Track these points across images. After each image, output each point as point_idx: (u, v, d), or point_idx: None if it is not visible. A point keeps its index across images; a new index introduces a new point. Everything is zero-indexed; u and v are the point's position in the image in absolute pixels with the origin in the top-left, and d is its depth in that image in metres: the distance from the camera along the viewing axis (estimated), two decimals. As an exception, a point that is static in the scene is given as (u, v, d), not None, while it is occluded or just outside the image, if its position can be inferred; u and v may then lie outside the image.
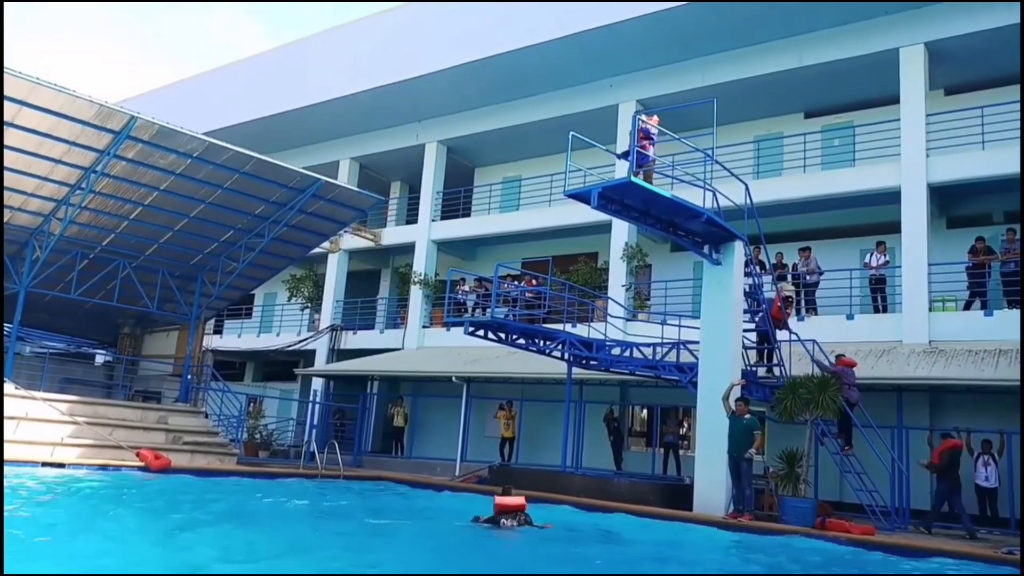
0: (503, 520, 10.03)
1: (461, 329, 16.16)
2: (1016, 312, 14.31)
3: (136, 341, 22.45)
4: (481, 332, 15.12)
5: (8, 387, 14.94)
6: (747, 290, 13.73)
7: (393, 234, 25.29)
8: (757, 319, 14.17)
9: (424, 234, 23.89)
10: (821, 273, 17.14)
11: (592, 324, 17.83)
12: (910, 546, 10.49)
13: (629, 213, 12.31)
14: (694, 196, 12.69)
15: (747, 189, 13.46)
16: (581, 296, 18.83)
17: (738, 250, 13.16)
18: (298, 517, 11.45)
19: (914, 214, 15.92)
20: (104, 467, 14.14)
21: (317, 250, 22.34)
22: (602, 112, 20.40)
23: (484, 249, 24.69)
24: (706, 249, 13.13)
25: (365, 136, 25.66)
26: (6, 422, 13.64)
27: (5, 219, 16.18)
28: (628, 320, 17.79)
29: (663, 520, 11.97)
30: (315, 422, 21.50)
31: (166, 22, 73.63)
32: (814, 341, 13.78)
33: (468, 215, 24.05)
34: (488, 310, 18.78)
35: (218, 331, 28.37)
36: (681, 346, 14.24)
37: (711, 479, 12.62)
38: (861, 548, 10.42)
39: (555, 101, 21.44)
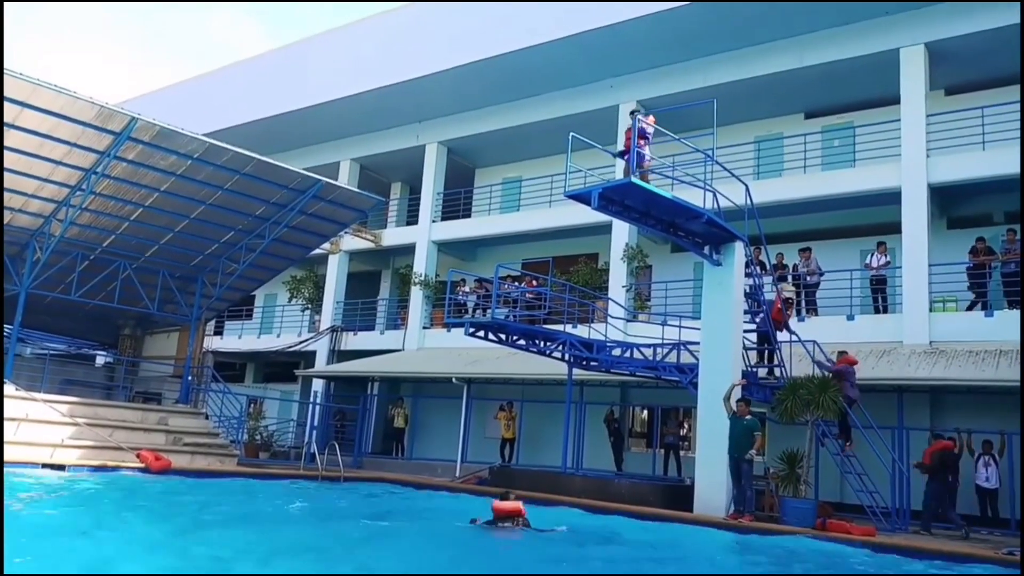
0: (500, 524, 10.02)
1: (461, 330, 16.15)
2: (1016, 313, 14.30)
3: (136, 342, 22.44)
4: (481, 333, 15.11)
5: (8, 388, 14.93)
6: (747, 291, 13.72)
7: (393, 235, 25.31)
8: (758, 320, 14.16)
9: (424, 235, 23.90)
10: (821, 274, 17.13)
11: (592, 325, 17.80)
12: (911, 547, 10.49)
13: (629, 214, 12.32)
14: (694, 197, 12.70)
15: (747, 190, 13.47)
16: (581, 297, 18.82)
17: (738, 251, 13.15)
18: (298, 518, 11.44)
19: (914, 214, 15.93)
20: (104, 468, 14.12)
21: (317, 251, 22.33)
22: (603, 112, 20.39)
23: (484, 250, 24.69)
24: (706, 250, 13.12)
25: (365, 137, 25.68)
26: (6, 423, 13.63)
27: (5, 220, 16.17)
28: (628, 321, 17.80)
29: (663, 521, 11.96)
30: (315, 423, 21.49)
31: (166, 22, 73.78)
32: (814, 342, 13.77)
33: (468, 216, 24.06)
34: (488, 311, 18.76)
35: (218, 332, 28.37)
36: (681, 347, 14.25)
37: (712, 480, 12.62)
38: (861, 548, 10.40)
39: (556, 101, 21.45)
